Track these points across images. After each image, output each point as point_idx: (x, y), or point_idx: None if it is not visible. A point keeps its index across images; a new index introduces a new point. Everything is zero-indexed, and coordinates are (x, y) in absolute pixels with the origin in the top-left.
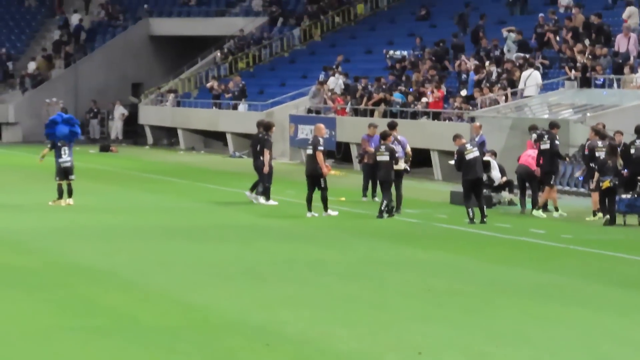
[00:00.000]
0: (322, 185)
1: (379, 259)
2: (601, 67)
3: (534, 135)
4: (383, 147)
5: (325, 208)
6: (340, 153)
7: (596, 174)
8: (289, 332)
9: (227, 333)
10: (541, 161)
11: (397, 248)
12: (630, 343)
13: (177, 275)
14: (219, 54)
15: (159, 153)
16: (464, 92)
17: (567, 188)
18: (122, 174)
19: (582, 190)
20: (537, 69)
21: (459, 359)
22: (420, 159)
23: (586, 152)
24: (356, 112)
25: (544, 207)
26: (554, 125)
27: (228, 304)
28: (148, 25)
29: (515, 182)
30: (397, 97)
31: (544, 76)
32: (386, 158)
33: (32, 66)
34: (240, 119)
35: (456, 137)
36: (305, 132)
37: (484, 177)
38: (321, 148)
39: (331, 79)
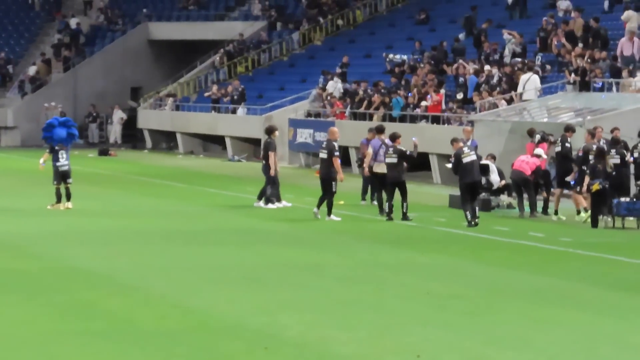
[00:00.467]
0: (332, 190)
1: (378, 263)
2: (600, 71)
3: (538, 137)
4: (391, 150)
5: (329, 213)
6: (340, 157)
7: (587, 177)
8: (288, 336)
9: (226, 337)
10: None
11: (396, 251)
12: (629, 347)
13: (176, 279)
14: (218, 58)
15: (158, 157)
16: (460, 95)
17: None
18: (121, 177)
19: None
20: (537, 72)
21: None
22: (419, 162)
23: (580, 154)
24: (355, 116)
25: (544, 210)
26: (568, 128)
27: (227, 308)
28: (147, 29)
29: None
30: (395, 102)
31: (543, 80)
32: (394, 160)
33: (32, 70)
34: (239, 123)
35: (454, 141)
36: (304, 136)
37: (483, 181)
38: (337, 153)
39: (330, 83)
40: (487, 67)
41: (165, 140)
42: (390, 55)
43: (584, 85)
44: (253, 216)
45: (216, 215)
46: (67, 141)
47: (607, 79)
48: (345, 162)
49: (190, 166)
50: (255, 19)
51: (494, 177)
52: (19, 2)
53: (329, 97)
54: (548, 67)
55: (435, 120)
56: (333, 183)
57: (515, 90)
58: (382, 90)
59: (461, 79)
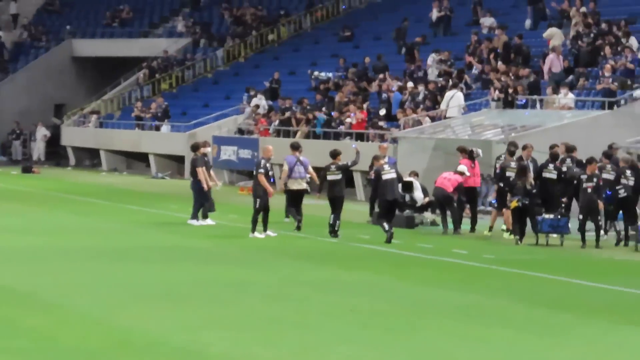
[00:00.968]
0: (255, 206)
1: (302, 280)
2: (523, 88)
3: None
4: (334, 167)
5: (253, 230)
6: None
7: (508, 194)
8: (212, 353)
9: (150, 354)
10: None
11: (321, 269)
12: None
13: (100, 296)
14: (142, 75)
15: (81, 174)
16: (382, 112)
17: (489, 208)
18: (44, 195)
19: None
20: (461, 89)
21: None
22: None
23: (497, 171)
24: (279, 133)
25: (472, 227)
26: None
27: (150, 325)
28: (71, 46)
29: None
30: (320, 119)
31: (468, 97)
32: (338, 177)
33: None
34: (163, 140)
35: (374, 159)
36: (228, 153)
37: (407, 198)
38: (261, 170)
39: (254, 100)
40: (410, 84)
41: (89, 158)
42: (316, 73)
43: (508, 103)
44: (177, 233)
45: (140, 232)
46: None
47: (531, 96)
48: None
49: (114, 183)
50: (179, 36)
51: (418, 194)
52: None
53: (253, 114)
54: (473, 85)
55: (360, 137)
56: (257, 200)
57: (439, 107)
58: (307, 107)
59: (384, 96)
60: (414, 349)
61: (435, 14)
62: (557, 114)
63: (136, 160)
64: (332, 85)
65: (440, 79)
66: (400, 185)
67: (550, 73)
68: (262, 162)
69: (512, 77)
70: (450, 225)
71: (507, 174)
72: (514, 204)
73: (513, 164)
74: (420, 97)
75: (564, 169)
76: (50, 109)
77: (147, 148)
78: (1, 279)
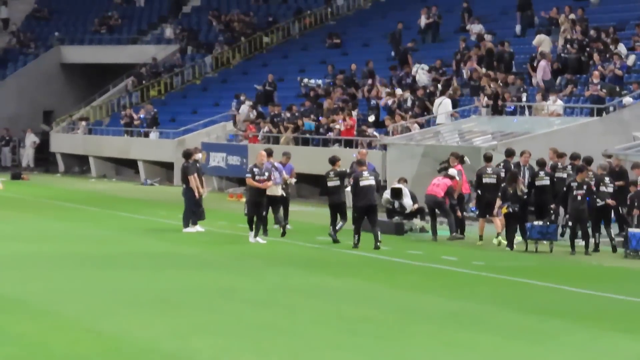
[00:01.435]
0: (244, 211)
1: (290, 286)
2: (510, 95)
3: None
4: (332, 173)
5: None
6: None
7: (498, 200)
8: None
9: None
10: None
11: (309, 275)
12: None
13: (89, 303)
14: (130, 81)
15: (70, 181)
16: (371, 118)
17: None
18: (33, 201)
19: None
20: (449, 96)
21: None
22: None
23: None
24: (268, 140)
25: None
26: (510, 153)
27: (140, 332)
28: (60, 53)
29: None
30: (307, 126)
31: (456, 104)
32: (337, 183)
33: None
34: (152, 146)
35: (356, 163)
36: (217, 159)
37: (396, 204)
38: (248, 175)
39: (242, 106)
40: (398, 91)
41: (78, 164)
42: (305, 80)
43: (497, 109)
44: (165, 240)
45: (129, 239)
46: None
47: (519, 103)
48: None
49: (103, 190)
50: (167, 43)
51: (407, 201)
52: None
53: (242, 121)
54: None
55: (348, 143)
56: (245, 204)
57: (428, 114)
58: (296, 114)
59: (373, 102)
60: (403, 355)
61: (423, 21)
62: (546, 120)
63: (125, 166)
64: (323, 91)
65: (429, 83)
66: (389, 191)
67: (542, 80)
68: (250, 167)
69: (501, 84)
70: (442, 232)
71: (484, 180)
72: (504, 210)
73: (489, 170)
74: (409, 103)
75: (564, 175)
76: (39, 116)
77: (136, 155)
78: None
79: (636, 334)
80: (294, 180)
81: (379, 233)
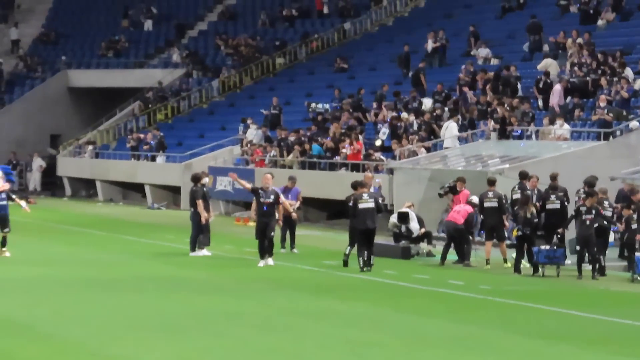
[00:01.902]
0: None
1: (297, 311)
2: (516, 119)
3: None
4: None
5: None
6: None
7: (509, 223)
8: None
9: None
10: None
11: (316, 299)
12: None
13: (95, 327)
14: (137, 105)
15: (77, 205)
16: (378, 142)
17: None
18: (40, 225)
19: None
20: (456, 120)
21: None
22: (340, 210)
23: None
24: (275, 164)
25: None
26: (524, 175)
27: (146, 356)
28: (66, 77)
29: (435, 234)
30: (315, 150)
31: (463, 128)
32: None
33: None
34: (159, 170)
35: (360, 185)
36: (223, 183)
37: (403, 229)
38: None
39: (249, 130)
40: (403, 115)
41: (85, 188)
42: (313, 105)
43: (504, 133)
44: (172, 264)
45: (136, 263)
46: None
47: (526, 127)
48: None
49: (110, 214)
50: (174, 67)
51: (414, 225)
52: None
53: (248, 145)
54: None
55: (355, 167)
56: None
57: (435, 137)
58: (302, 138)
59: (380, 126)
60: None
61: (430, 45)
62: (553, 144)
63: (132, 190)
64: (330, 116)
65: (436, 105)
66: (396, 215)
67: (557, 105)
68: (255, 188)
69: (508, 108)
70: (452, 256)
71: (485, 204)
72: (514, 232)
73: (490, 194)
74: (415, 127)
75: (576, 198)
76: (46, 140)
77: (143, 178)
78: None
79: None
80: (298, 204)
81: (372, 256)
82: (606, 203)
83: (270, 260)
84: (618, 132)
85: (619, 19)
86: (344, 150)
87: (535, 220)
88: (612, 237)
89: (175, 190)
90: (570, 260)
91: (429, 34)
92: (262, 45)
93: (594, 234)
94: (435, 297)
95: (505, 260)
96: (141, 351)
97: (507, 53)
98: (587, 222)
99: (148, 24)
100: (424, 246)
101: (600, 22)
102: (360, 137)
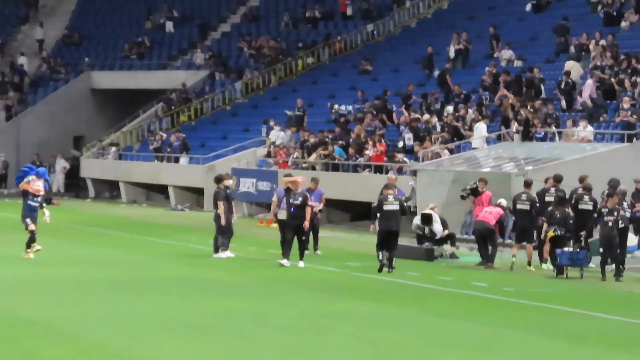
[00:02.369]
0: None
1: (321, 312)
2: (539, 121)
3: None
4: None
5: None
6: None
7: (544, 225)
8: None
9: None
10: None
11: (339, 301)
12: None
13: (119, 328)
14: (160, 107)
15: (100, 206)
16: (401, 144)
17: (509, 241)
18: (63, 227)
19: (523, 243)
20: (485, 121)
21: None
22: (363, 212)
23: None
24: (298, 166)
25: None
26: (558, 179)
27: (170, 358)
28: (90, 78)
29: (458, 235)
30: (337, 152)
31: (508, 123)
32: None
33: None
34: (182, 172)
35: (384, 187)
36: (247, 185)
37: (426, 230)
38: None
39: (272, 132)
40: (425, 116)
41: (108, 190)
42: (336, 106)
43: (527, 135)
44: (196, 265)
45: (159, 264)
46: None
47: (550, 129)
48: None
49: (133, 215)
50: (197, 68)
51: (437, 227)
52: None
53: (272, 146)
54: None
55: (378, 169)
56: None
57: (458, 139)
58: (326, 140)
59: (403, 128)
60: None
61: (453, 47)
62: (576, 146)
63: (155, 192)
64: (353, 117)
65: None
66: (419, 217)
67: (589, 99)
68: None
69: (531, 110)
70: (472, 258)
71: (518, 206)
72: (550, 233)
73: (524, 197)
74: (438, 128)
75: (600, 200)
76: (69, 141)
77: (167, 180)
78: (21, 311)
79: None
80: (321, 205)
81: (394, 258)
82: (625, 204)
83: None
84: None
85: None
86: (367, 152)
87: (571, 221)
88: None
89: (198, 192)
90: (594, 262)
91: (452, 36)
92: (284, 47)
93: (617, 235)
94: (458, 298)
95: (529, 263)
96: (165, 352)
97: (530, 55)
98: (609, 224)
99: (169, 26)
100: (447, 248)
101: (623, 24)
102: (383, 139)
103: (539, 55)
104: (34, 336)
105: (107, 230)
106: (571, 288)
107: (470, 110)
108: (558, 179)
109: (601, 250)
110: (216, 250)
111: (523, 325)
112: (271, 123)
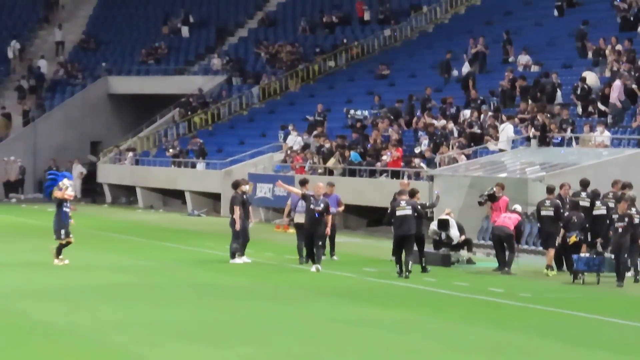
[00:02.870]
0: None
1: (337, 318)
2: (556, 126)
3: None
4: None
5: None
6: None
7: (562, 230)
8: None
9: None
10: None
11: (356, 306)
12: None
13: (135, 334)
14: (177, 112)
15: (117, 211)
16: (418, 149)
17: (525, 247)
18: (80, 232)
19: (539, 248)
20: (512, 122)
21: None
22: (380, 217)
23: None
24: (314, 171)
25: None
26: (585, 183)
27: None
28: (107, 83)
29: (475, 241)
30: (353, 157)
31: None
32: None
33: None
34: (199, 177)
35: (397, 193)
36: (263, 190)
37: (443, 236)
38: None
39: (289, 137)
40: (441, 122)
41: (125, 195)
42: (352, 111)
43: (544, 140)
44: (212, 271)
45: (176, 270)
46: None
47: (567, 134)
48: None
49: (150, 221)
50: (214, 74)
51: (454, 232)
52: None
53: (289, 151)
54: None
55: (395, 174)
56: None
57: (474, 144)
58: (344, 145)
59: (420, 133)
60: None
61: (470, 52)
62: (593, 151)
63: (172, 197)
64: (370, 123)
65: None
66: (436, 222)
67: (618, 101)
68: (308, 195)
69: (548, 115)
70: (489, 264)
71: (542, 213)
72: (573, 238)
73: (547, 203)
74: (456, 134)
75: (611, 204)
76: (86, 146)
77: (184, 185)
78: (38, 316)
79: None
80: (341, 209)
81: (410, 263)
82: (634, 210)
83: (314, 267)
84: None
85: None
86: (384, 157)
87: (587, 225)
88: None
89: (215, 197)
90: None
91: (470, 41)
92: (301, 52)
93: (628, 241)
94: (475, 304)
95: (547, 267)
96: (181, 358)
97: (547, 60)
98: (620, 230)
99: (184, 31)
100: (464, 253)
101: None
102: (400, 145)
103: (556, 61)
104: (51, 342)
105: (124, 236)
106: (588, 293)
107: (490, 114)
108: (585, 184)
109: (613, 256)
110: (232, 256)
111: (540, 331)
112: (289, 128)
